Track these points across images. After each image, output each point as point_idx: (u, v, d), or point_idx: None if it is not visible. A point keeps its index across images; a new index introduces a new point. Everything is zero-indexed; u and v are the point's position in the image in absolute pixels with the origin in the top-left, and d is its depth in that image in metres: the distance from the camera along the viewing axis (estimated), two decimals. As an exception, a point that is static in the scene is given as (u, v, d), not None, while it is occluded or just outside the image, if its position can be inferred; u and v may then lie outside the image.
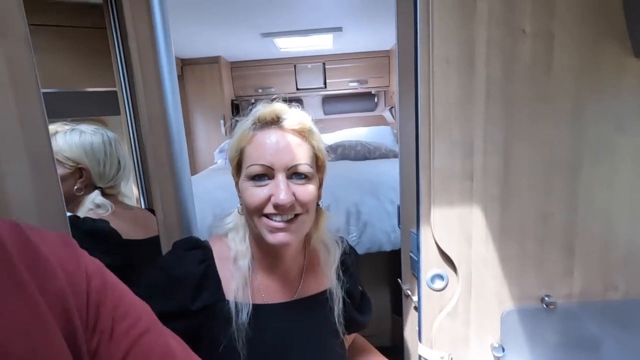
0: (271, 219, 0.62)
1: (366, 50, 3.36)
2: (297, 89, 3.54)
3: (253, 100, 3.47)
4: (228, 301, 0.65)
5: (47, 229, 0.35)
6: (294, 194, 0.62)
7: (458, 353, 0.77)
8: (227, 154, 0.71)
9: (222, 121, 3.30)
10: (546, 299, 0.74)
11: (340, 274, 0.75)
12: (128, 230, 0.97)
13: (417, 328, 0.81)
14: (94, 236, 0.90)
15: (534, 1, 0.65)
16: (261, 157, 0.62)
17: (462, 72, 0.67)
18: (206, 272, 0.66)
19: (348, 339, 0.85)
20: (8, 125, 0.50)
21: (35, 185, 0.53)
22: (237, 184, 0.69)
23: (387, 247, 1.60)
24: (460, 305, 0.75)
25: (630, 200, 0.71)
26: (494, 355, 0.76)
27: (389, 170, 1.97)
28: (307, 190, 0.63)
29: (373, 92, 3.68)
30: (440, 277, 0.75)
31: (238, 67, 3.48)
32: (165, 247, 0.85)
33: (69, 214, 0.79)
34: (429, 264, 0.75)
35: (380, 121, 3.82)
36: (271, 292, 0.70)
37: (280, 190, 0.60)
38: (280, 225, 0.62)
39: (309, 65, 3.46)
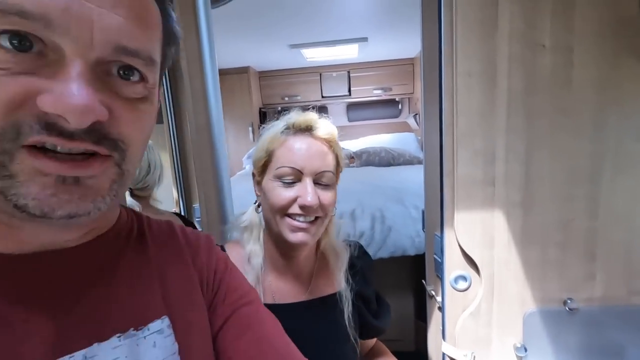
0: (294, 219, 0.67)
1: (390, 58, 3.41)
2: (322, 97, 3.62)
3: (280, 108, 3.59)
4: None
5: None
6: (318, 198, 0.67)
7: (481, 352, 0.80)
8: (254, 155, 0.74)
9: (250, 128, 3.43)
10: (568, 302, 0.76)
11: (349, 277, 0.77)
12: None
13: (441, 327, 0.84)
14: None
15: (553, 17, 0.69)
16: (292, 161, 0.66)
17: (484, 85, 0.72)
18: None
19: (368, 344, 0.87)
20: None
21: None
22: (258, 183, 0.72)
23: (411, 252, 1.63)
24: (482, 305, 0.79)
25: (654, 207, 0.73)
26: (517, 355, 0.79)
27: (414, 177, 2.00)
28: (329, 195, 0.69)
29: (397, 99, 3.71)
30: (464, 278, 0.79)
31: (266, 76, 3.62)
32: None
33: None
34: (453, 265, 0.79)
35: (404, 128, 3.83)
36: (282, 293, 0.73)
37: (308, 192, 0.65)
38: (303, 225, 0.66)
39: (334, 74, 3.54)
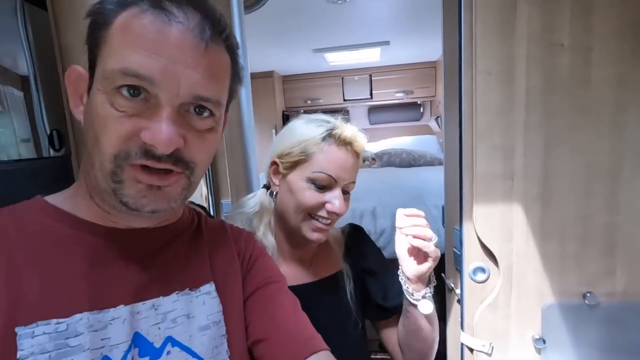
0: (318, 221, 0.72)
1: (412, 61, 3.42)
2: (344, 100, 3.68)
3: (302, 111, 3.67)
4: None
5: None
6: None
7: (499, 343, 0.82)
8: (278, 145, 0.76)
9: (273, 131, 3.52)
10: (588, 295, 0.77)
11: (347, 256, 0.82)
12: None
13: (460, 319, 0.87)
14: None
15: (571, 18, 0.71)
16: (330, 169, 0.70)
17: (503, 83, 0.75)
18: None
19: (387, 331, 0.86)
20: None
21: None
22: (283, 176, 0.74)
23: (432, 251, 1.65)
24: (501, 297, 0.81)
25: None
26: (535, 347, 0.80)
27: (434, 177, 2.01)
28: (348, 204, 0.75)
29: (419, 102, 3.72)
30: (482, 269, 0.82)
31: (289, 80, 3.71)
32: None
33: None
34: (471, 257, 0.82)
35: (426, 130, 3.83)
36: (286, 277, 0.77)
37: (339, 201, 0.71)
38: (324, 227, 0.73)
39: (356, 77, 3.59)
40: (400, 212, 0.73)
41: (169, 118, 0.38)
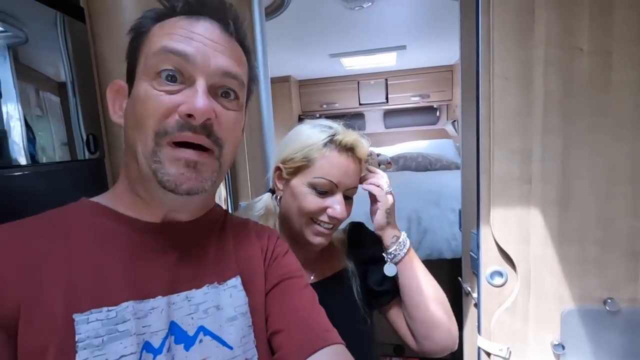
0: (320, 225, 0.74)
1: (428, 65, 3.41)
2: (360, 104, 3.69)
3: (318, 115, 3.70)
4: None
5: None
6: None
7: (516, 347, 0.82)
8: (282, 151, 0.77)
9: (289, 135, 3.56)
10: (609, 301, 0.76)
11: (349, 253, 0.83)
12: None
13: (477, 323, 0.87)
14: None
15: (590, 22, 0.71)
16: (331, 175, 0.71)
17: (520, 87, 0.75)
18: None
19: (393, 315, 0.84)
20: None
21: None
22: (286, 181, 0.76)
23: (448, 255, 1.64)
24: (519, 301, 0.81)
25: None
26: (554, 353, 0.80)
27: (451, 181, 2.00)
28: (350, 209, 0.76)
29: (435, 106, 3.69)
30: (500, 273, 0.82)
31: (305, 84, 3.75)
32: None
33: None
34: (489, 261, 0.82)
35: (442, 134, 3.80)
36: None
37: (340, 206, 0.72)
38: (326, 232, 0.74)
39: (372, 82, 3.60)
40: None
41: (203, 90, 0.43)
